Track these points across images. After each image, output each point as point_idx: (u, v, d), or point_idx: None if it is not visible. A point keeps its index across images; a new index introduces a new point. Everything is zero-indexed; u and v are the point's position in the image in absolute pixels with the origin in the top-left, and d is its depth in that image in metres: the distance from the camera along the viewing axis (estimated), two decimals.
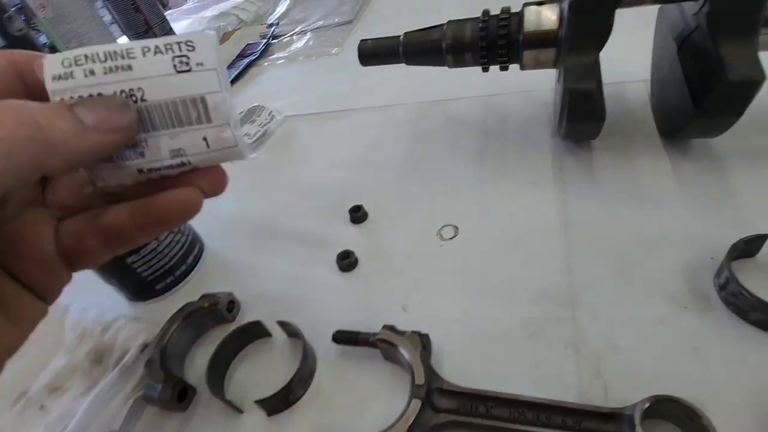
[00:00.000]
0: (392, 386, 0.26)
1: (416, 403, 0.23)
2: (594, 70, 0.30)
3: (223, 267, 0.39)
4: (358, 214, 0.38)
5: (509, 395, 0.22)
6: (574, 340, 0.25)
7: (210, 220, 0.44)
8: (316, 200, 0.42)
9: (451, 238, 0.34)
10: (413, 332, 0.26)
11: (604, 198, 0.33)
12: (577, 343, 0.25)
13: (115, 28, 0.82)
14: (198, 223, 0.42)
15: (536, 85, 0.46)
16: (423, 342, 0.26)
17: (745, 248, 0.26)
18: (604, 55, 0.31)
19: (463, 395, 0.23)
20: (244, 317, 0.34)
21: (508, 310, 0.28)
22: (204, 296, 0.34)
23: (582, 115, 0.31)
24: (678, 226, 0.29)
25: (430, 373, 0.24)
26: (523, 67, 0.36)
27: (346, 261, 0.34)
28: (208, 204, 0.48)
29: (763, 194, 0.30)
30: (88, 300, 0.39)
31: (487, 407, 0.23)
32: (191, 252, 0.39)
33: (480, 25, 0.35)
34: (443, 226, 0.35)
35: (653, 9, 0.36)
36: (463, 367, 0.26)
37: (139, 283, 0.36)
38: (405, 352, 0.25)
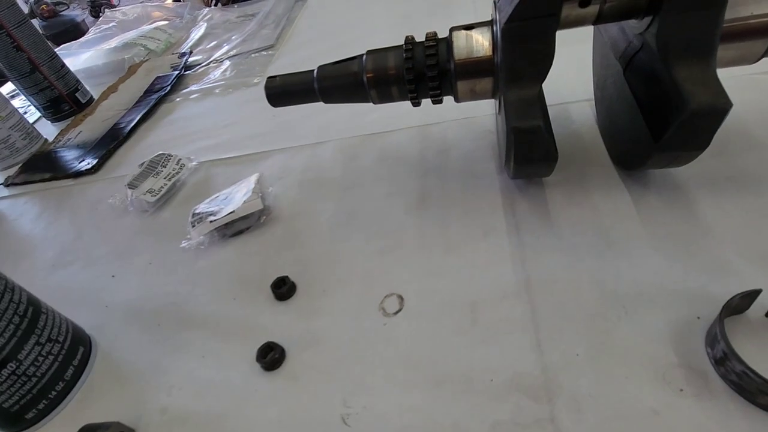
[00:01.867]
0: None
1: None
2: (538, 105, 0.26)
3: (118, 374, 0.30)
4: (282, 290, 0.31)
5: None
6: None
7: (101, 307, 0.36)
8: (231, 273, 0.35)
9: (396, 312, 0.28)
10: None
11: (565, 248, 0.28)
12: None
13: None
14: (85, 314, 0.33)
15: (475, 110, 0.42)
16: None
17: (739, 305, 0.22)
18: None
19: None
20: None
21: (473, 411, 0.22)
22: (83, 430, 0.25)
23: (531, 155, 0.27)
24: (651, 277, 0.25)
25: None
26: (458, 100, 0.31)
27: (269, 358, 0.27)
28: (100, 288, 0.39)
29: (734, 228, 0.26)
30: None
31: None
32: (70, 362, 0.30)
33: (404, 54, 0.30)
34: (386, 296, 0.29)
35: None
36: None
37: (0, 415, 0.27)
38: None
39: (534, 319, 0.25)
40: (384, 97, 0.32)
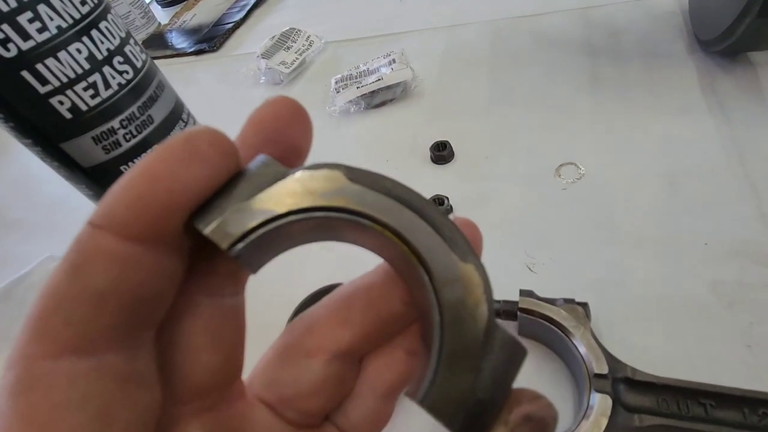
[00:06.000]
0: (537, 370, 0.20)
1: (604, 401, 0.16)
2: None
3: None
4: (443, 153, 0.30)
5: (736, 391, 0.16)
6: None
7: None
8: (379, 138, 0.34)
9: (576, 180, 0.26)
10: (567, 301, 0.19)
11: None
12: None
13: None
14: None
15: None
16: (587, 314, 0.19)
17: None
18: None
19: (665, 389, 0.17)
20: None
21: (685, 270, 0.21)
22: None
23: None
24: None
25: (612, 359, 0.17)
26: None
27: (441, 209, 0.27)
28: None
29: None
30: None
31: (704, 407, 0.16)
32: None
33: None
34: (561, 165, 0.27)
35: None
36: (639, 347, 0.19)
37: None
38: (569, 330, 0.18)
39: (755, 192, 0.23)
40: None
